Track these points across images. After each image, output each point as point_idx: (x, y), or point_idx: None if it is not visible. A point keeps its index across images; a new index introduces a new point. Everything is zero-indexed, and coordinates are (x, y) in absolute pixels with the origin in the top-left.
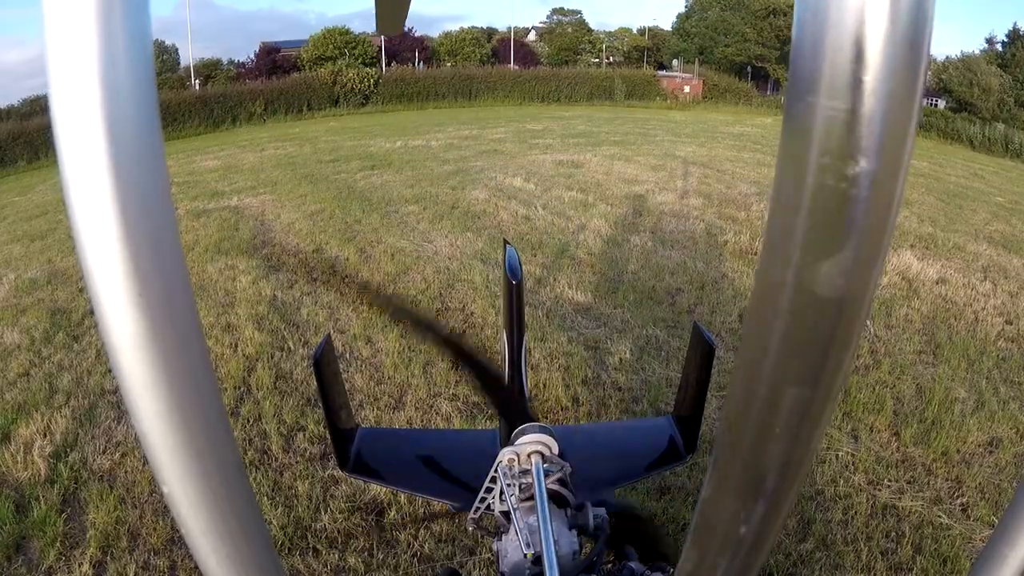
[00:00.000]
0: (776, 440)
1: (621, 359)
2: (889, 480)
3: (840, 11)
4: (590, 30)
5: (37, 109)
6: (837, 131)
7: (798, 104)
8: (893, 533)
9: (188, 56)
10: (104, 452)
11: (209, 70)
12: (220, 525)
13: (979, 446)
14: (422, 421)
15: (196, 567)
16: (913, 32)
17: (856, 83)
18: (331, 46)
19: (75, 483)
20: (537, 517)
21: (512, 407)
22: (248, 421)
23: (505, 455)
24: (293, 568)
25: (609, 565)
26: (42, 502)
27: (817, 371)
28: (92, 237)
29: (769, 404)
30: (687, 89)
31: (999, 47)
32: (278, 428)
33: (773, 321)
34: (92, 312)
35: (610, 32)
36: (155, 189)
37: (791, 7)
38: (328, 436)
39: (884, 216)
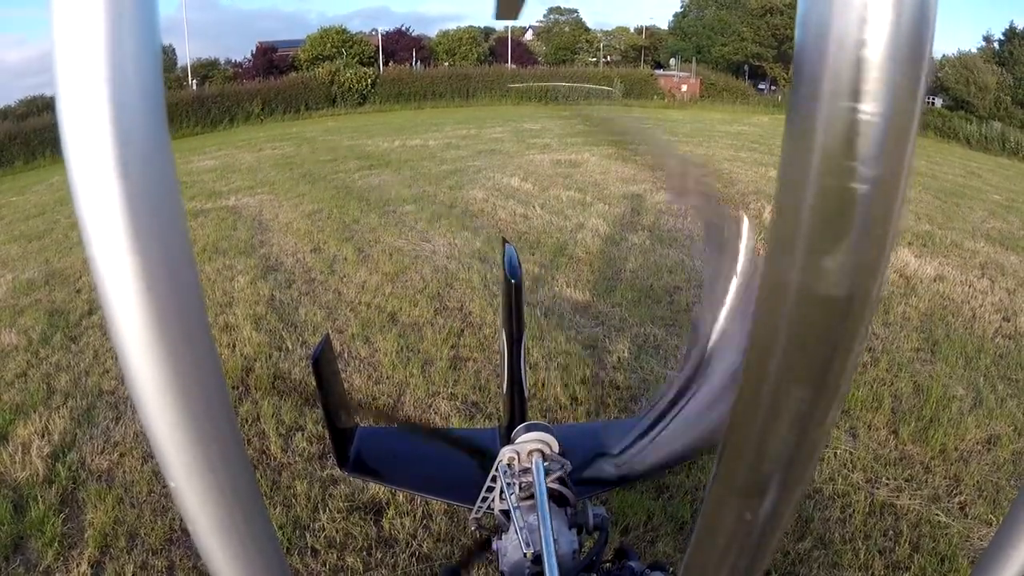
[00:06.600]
0: (781, 439)
1: (619, 358)
2: (887, 478)
3: (843, 12)
4: (587, 29)
5: (34, 109)
6: (840, 131)
7: (801, 105)
8: (891, 531)
9: (186, 56)
10: (102, 452)
11: (206, 70)
12: (227, 521)
13: (977, 444)
14: (421, 420)
15: (195, 567)
16: (915, 33)
17: (859, 83)
18: (328, 46)
19: (73, 483)
20: (537, 516)
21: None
22: (247, 421)
23: (505, 454)
24: (291, 567)
25: (608, 564)
26: (40, 502)
27: (823, 370)
28: (100, 232)
29: (774, 403)
30: (684, 88)
31: (996, 45)
32: (276, 428)
33: (778, 320)
34: (92, 312)
35: (607, 31)
36: (164, 186)
37: (788, 6)
38: (327, 436)
39: (888, 216)
